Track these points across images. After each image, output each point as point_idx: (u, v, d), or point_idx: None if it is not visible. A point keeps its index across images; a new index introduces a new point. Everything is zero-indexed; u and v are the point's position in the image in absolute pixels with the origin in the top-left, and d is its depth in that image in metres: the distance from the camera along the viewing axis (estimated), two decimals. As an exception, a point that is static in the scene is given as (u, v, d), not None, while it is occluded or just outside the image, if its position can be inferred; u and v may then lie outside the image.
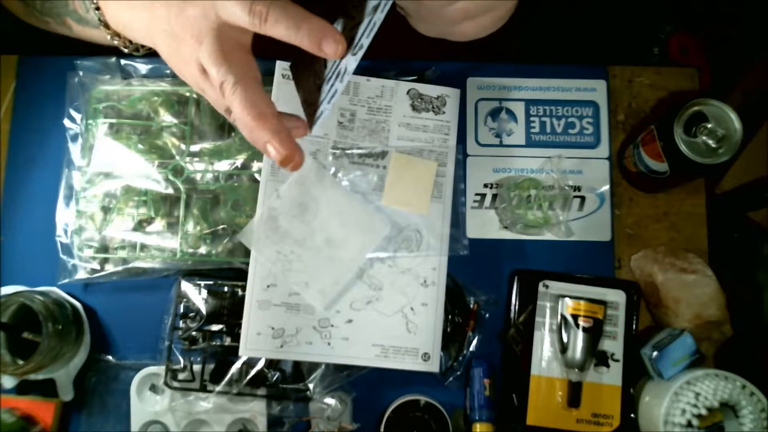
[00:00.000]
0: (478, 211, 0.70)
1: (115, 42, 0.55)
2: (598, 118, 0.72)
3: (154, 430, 0.64)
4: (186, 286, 0.65)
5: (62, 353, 0.62)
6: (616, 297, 0.66)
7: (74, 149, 0.67)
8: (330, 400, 0.63)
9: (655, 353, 0.62)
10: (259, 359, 0.63)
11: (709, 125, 0.60)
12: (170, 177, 0.66)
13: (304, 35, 0.40)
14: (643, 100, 0.73)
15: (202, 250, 0.65)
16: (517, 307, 0.66)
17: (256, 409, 0.64)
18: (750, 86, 1.05)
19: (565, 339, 0.64)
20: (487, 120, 0.72)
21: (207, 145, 0.67)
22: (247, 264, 0.63)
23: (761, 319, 0.77)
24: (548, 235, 0.69)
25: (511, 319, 0.66)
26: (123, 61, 0.69)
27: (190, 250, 0.65)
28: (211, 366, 0.64)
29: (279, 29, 0.40)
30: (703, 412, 0.58)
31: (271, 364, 0.63)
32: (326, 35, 0.40)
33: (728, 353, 0.67)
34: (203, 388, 0.63)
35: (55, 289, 0.66)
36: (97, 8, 0.52)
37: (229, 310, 0.64)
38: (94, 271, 0.65)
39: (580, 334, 0.63)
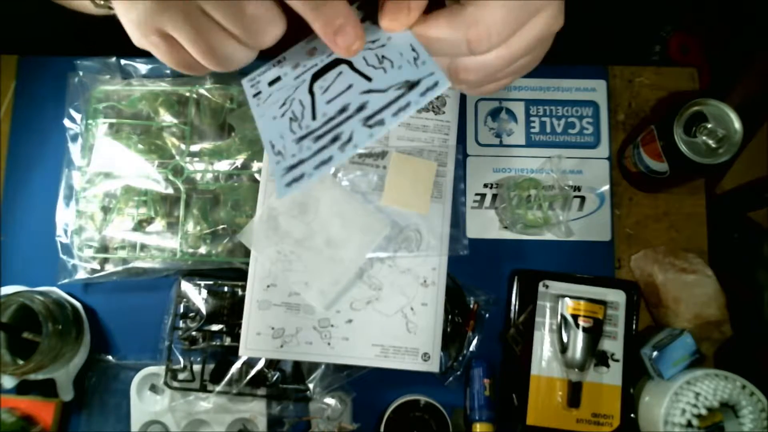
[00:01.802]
0: (478, 211, 0.70)
1: None
2: (598, 118, 0.72)
3: (154, 430, 0.64)
4: (186, 286, 0.65)
5: (62, 353, 0.62)
6: (616, 297, 0.66)
7: (74, 149, 0.67)
8: (330, 400, 0.63)
9: (655, 353, 0.62)
10: (259, 359, 0.63)
11: (709, 125, 0.60)
12: (170, 177, 0.66)
13: (320, 15, 0.33)
14: (643, 100, 0.73)
15: (202, 250, 0.65)
16: (517, 307, 0.66)
17: (256, 409, 0.64)
18: (750, 86, 1.05)
19: (565, 339, 0.64)
20: (487, 120, 0.72)
21: (207, 145, 0.67)
22: (247, 264, 0.63)
23: (761, 319, 0.77)
24: (548, 235, 0.69)
25: (511, 319, 0.66)
26: (123, 61, 0.69)
27: (190, 250, 0.65)
28: (211, 366, 0.64)
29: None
30: (703, 412, 0.58)
31: (271, 364, 0.63)
32: (345, 25, 0.33)
33: (728, 353, 0.67)
34: (203, 388, 0.63)
35: (55, 289, 0.66)
36: None
37: (229, 310, 0.64)
38: (94, 271, 0.65)
39: (580, 334, 0.63)
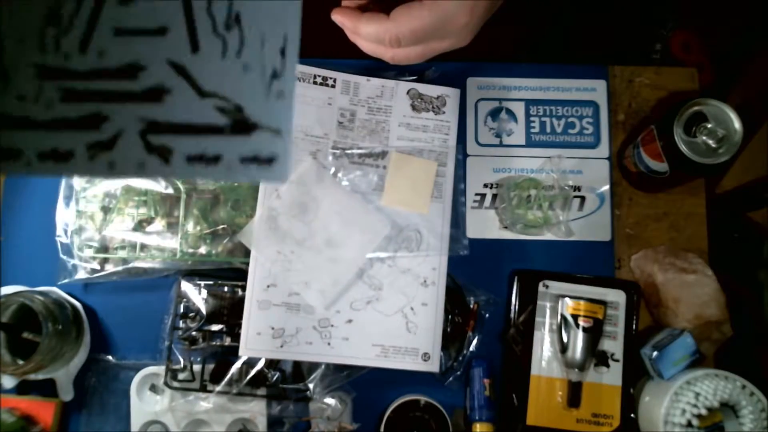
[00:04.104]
0: (478, 211, 0.70)
1: None
2: (598, 118, 0.72)
3: (154, 430, 0.64)
4: (186, 286, 0.65)
5: (62, 353, 0.62)
6: (616, 297, 0.66)
7: (74, 149, 0.67)
8: (330, 400, 0.63)
9: (655, 353, 0.62)
10: (259, 359, 0.63)
11: (709, 125, 0.60)
12: (170, 177, 0.66)
13: None
14: (643, 100, 0.73)
15: (202, 250, 0.65)
16: (517, 307, 0.66)
17: (256, 409, 0.64)
18: (750, 86, 1.05)
19: (565, 339, 0.64)
20: (487, 120, 0.72)
21: None
22: (247, 264, 0.63)
23: (761, 319, 0.77)
24: (548, 235, 0.69)
25: (511, 319, 0.66)
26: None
27: (190, 250, 0.65)
28: (211, 366, 0.64)
29: None
30: (703, 412, 0.58)
31: (271, 364, 0.63)
32: None
33: (728, 353, 0.67)
34: (203, 388, 0.63)
35: (55, 289, 0.66)
36: None
37: (229, 310, 0.64)
38: (94, 271, 0.65)
39: (580, 334, 0.63)
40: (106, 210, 0.66)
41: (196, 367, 0.63)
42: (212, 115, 0.20)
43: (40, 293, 0.62)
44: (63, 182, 0.67)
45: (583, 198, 0.70)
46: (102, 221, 0.65)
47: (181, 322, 0.64)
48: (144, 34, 0.20)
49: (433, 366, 0.63)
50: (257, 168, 0.20)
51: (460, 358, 0.66)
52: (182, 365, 0.63)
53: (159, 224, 0.65)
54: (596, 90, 0.72)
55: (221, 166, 0.20)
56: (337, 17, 0.48)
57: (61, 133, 0.20)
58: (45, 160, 0.20)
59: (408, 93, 0.67)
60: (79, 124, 0.20)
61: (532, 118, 0.72)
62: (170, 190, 0.65)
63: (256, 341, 0.62)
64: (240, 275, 0.64)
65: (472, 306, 0.67)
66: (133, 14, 0.20)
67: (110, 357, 0.66)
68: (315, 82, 0.67)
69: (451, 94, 0.68)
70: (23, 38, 0.20)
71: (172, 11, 0.21)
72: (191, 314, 0.64)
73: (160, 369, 0.64)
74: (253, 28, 0.21)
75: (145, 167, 0.20)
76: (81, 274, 0.65)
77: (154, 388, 0.65)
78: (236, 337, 0.63)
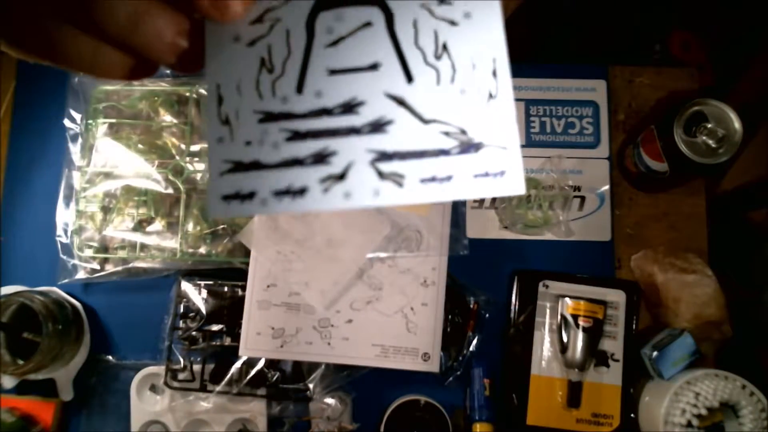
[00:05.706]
0: (478, 211, 0.70)
1: None
2: (598, 118, 0.72)
3: (154, 430, 0.64)
4: (186, 286, 0.65)
5: (62, 353, 0.62)
6: (616, 297, 0.66)
7: (74, 149, 0.67)
8: (330, 400, 0.63)
9: (655, 353, 0.62)
10: (259, 359, 0.63)
11: (709, 125, 0.60)
12: (170, 177, 0.66)
13: None
14: (643, 100, 0.73)
15: (202, 250, 0.65)
16: (517, 307, 0.66)
17: (256, 409, 0.64)
18: (750, 86, 1.05)
19: (565, 339, 0.64)
20: (487, 120, 0.71)
21: (207, 144, 0.67)
22: (247, 264, 0.63)
23: (761, 319, 0.77)
24: (548, 235, 0.69)
25: (511, 319, 0.66)
26: (123, 61, 0.69)
27: (190, 250, 0.65)
28: (211, 366, 0.64)
29: None
30: (703, 412, 0.58)
31: (271, 364, 0.63)
32: None
33: (728, 353, 0.67)
34: (203, 388, 0.63)
35: (55, 289, 0.66)
36: None
37: (229, 310, 0.64)
38: (94, 271, 0.65)
39: (580, 334, 0.63)
40: (106, 210, 0.66)
41: (196, 367, 0.63)
42: (438, 140, 0.21)
43: (40, 293, 0.62)
44: (63, 182, 0.67)
45: (583, 198, 0.70)
46: (102, 221, 0.65)
47: (181, 322, 0.64)
48: (357, 72, 0.22)
49: (433, 366, 0.63)
50: (492, 181, 0.21)
51: (460, 358, 0.66)
52: (182, 365, 0.63)
53: (159, 224, 0.65)
54: (596, 90, 0.72)
55: (455, 183, 0.21)
56: None
57: (292, 170, 0.21)
58: (280, 197, 0.21)
59: (408, 93, 0.67)
60: (310, 160, 0.21)
61: (532, 118, 0.72)
62: (170, 190, 0.65)
63: (256, 341, 0.62)
64: (240, 275, 0.64)
65: (472, 306, 0.67)
66: (342, 55, 0.22)
67: (110, 357, 0.66)
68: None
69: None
70: (239, 87, 0.22)
71: (381, 48, 0.22)
72: (191, 314, 0.64)
73: (160, 369, 0.64)
74: (462, 54, 0.22)
75: (380, 193, 0.21)
76: (81, 274, 0.65)
77: (154, 388, 0.65)
78: (236, 337, 0.63)
